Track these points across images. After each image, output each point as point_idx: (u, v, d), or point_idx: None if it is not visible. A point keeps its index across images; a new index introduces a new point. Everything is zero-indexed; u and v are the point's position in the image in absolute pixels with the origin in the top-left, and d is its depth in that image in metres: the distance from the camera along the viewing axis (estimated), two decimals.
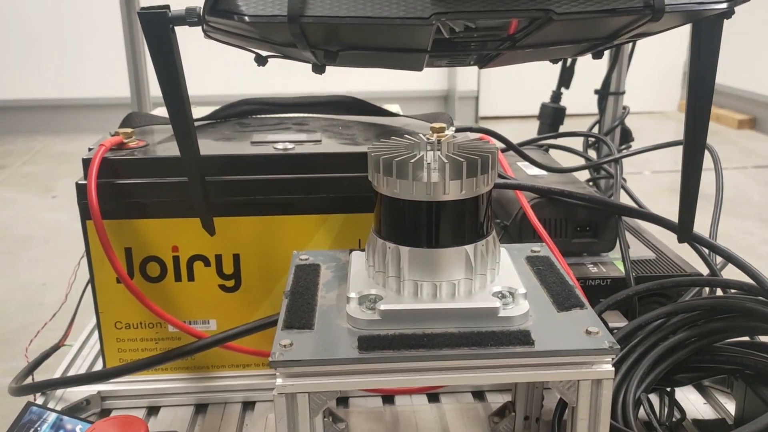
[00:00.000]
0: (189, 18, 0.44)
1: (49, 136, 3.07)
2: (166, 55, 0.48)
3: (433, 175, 0.45)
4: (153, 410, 0.66)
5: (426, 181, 0.44)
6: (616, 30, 0.43)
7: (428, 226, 0.46)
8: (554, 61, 0.48)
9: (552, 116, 1.13)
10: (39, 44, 3.07)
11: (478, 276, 0.47)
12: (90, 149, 0.63)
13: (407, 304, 0.46)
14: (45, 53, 3.08)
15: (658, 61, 3.32)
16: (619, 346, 0.43)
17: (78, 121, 3.08)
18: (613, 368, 0.44)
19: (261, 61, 0.50)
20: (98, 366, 0.72)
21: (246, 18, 0.40)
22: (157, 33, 0.47)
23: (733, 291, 0.63)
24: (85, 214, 0.61)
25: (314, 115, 0.80)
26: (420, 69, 0.43)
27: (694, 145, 0.49)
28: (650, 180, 2.36)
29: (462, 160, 0.44)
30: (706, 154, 0.54)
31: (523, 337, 0.43)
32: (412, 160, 0.44)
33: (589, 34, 0.42)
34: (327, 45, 0.39)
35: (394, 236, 0.47)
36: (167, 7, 0.46)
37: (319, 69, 0.44)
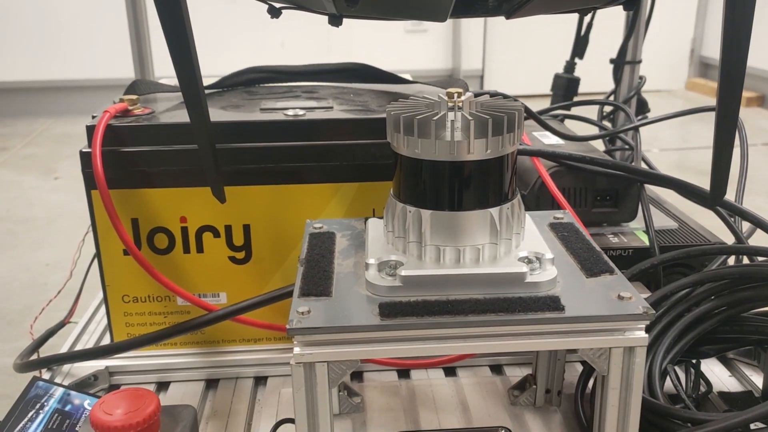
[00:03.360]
0: None
1: (51, 117, 3.04)
2: (174, 14, 0.45)
3: (457, 133, 0.42)
4: (163, 385, 0.64)
5: (449, 140, 0.42)
6: None
7: (451, 188, 0.44)
8: (583, 12, 0.45)
9: (566, 87, 1.10)
10: (41, 25, 3.04)
11: (503, 240, 0.45)
12: (94, 117, 0.61)
13: (429, 270, 0.43)
14: (47, 35, 3.05)
15: (666, 38, 3.28)
16: (653, 312, 0.41)
17: (80, 102, 3.04)
18: (646, 335, 0.42)
19: (274, 12, 0.47)
20: (105, 342, 0.71)
21: None
22: None
23: (761, 259, 0.61)
24: (90, 183, 0.59)
25: (324, 84, 0.78)
26: (444, 18, 0.41)
27: (727, 104, 0.47)
28: (659, 157, 2.33)
29: (488, 117, 0.42)
30: None
31: (553, 303, 0.41)
32: (434, 118, 0.42)
33: None
34: None
35: (415, 199, 0.45)
36: None
37: (336, 20, 0.42)
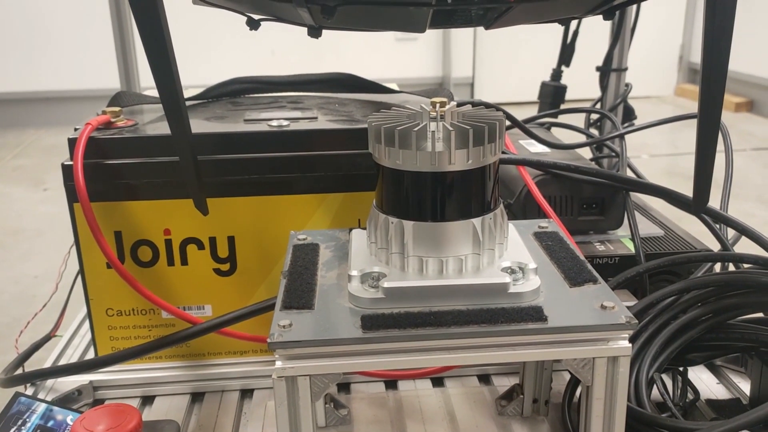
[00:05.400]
0: None
1: (40, 128, 3.03)
2: (153, 25, 0.45)
3: (438, 144, 0.42)
4: (147, 399, 0.63)
5: (430, 151, 0.42)
6: None
7: (433, 199, 0.44)
8: (563, 22, 0.45)
9: (552, 95, 1.10)
10: (29, 36, 3.03)
11: (486, 251, 0.45)
12: (76, 129, 0.60)
13: (412, 281, 0.43)
14: (36, 45, 3.04)
15: (655, 44, 3.30)
16: (636, 321, 0.41)
17: (70, 113, 3.04)
18: (630, 345, 0.41)
19: (253, 24, 0.47)
20: (90, 356, 0.70)
21: None
22: (143, 2, 0.44)
23: (746, 266, 0.61)
24: (72, 196, 0.59)
25: (309, 94, 0.77)
26: (422, 30, 0.41)
27: (709, 111, 0.47)
28: (649, 163, 2.34)
29: (468, 127, 0.42)
30: None
31: (536, 314, 0.41)
32: (415, 129, 0.42)
33: None
34: None
35: (398, 210, 0.45)
36: None
37: (315, 32, 0.42)
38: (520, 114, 0.99)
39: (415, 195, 0.44)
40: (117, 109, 0.63)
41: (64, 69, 3.06)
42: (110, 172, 0.59)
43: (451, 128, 0.42)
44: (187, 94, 0.75)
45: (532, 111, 1.14)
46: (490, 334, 0.41)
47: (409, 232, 0.44)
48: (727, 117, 3.01)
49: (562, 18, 0.45)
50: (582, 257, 0.49)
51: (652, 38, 3.22)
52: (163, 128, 0.61)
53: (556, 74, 1.12)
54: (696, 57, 3.52)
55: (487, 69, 3.34)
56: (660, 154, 2.44)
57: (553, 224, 0.55)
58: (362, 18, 0.41)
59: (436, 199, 0.44)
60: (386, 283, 0.43)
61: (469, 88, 3.37)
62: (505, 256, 0.47)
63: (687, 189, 0.63)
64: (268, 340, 0.40)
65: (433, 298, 0.43)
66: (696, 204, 0.50)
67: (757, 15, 2.95)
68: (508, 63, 3.28)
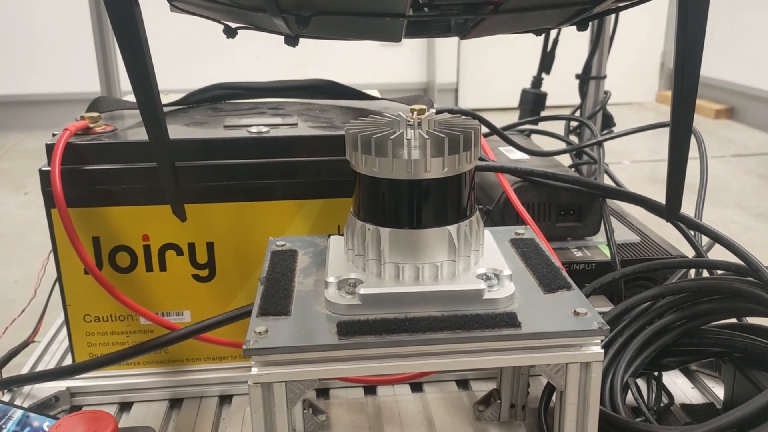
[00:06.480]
0: None
1: (22, 132, 3.01)
2: (129, 31, 0.45)
3: (414, 152, 0.43)
4: (125, 406, 0.63)
5: (406, 159, 0.42)
6: None
7: (409, 206, 0.44)
8: (537, 33, 0.46)
9: (533, 102, 1.11)
10: (14, 39, 3.01)
11: (462, 257, 0.45)
12: (54, 134, 0.60)
13: (388, 288, 0.44)
14: (20, 49, 3.02)
15: (636, 51, 3.34)
16: (608, 327, 0.41)
17: (53, 117, 3.01)
18: (602, 350, 0.42)
19: (230, 32, 0.47)
20: (68, 362, 0.70)
21: None
22: (119, 7, 0.44)
23: (720, 272, 0.62)
24: (49, 202, 0.59)
25: (290, 100, 0.78)
26: (398, 39, 0.41)
27: (681, 119, 0.48)
28: (630, 169, 2.36)
29: (443, 136, 0.42)
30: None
31: (509, 320, 0.42)
32: (391, 137, 0.42)
33: None
34: (299, 9, 0.37)
35: (374, 217, 0.45)
36: None
37: (291, 41, 0.42)
38: (504, 119, 1.00)
39: (391, 202, 0.44)
40: (96, 114, 0.63)
41: (47, 72, 3.04)
42: (88, 177, 0.59)
43: (426, 136, 0.42)
44: (170, 99, 0.75)
45: (516, 117, 1.15)
46: (465, 340, 0.41)
47: (385, 238, 0.44)
48: (708, 123, 3.04)
49: (535, 29, 0.46)
50: (557, 264, 0.50)
51: (633, 45, 3.25)
52: (142, 134, 0.61)
53: (537, 82, 1.13)
54: None
55: (472, 75, 3.35)
56: (641, 160, 2.46)
57: (529, 231, 0.56)
58: (337, 28, 0.42)
59: (412, 206, 0.44)
60: (362, 290, 0.43)
61: (453, 93, 3.38)
62: (481, 262, 0.47)
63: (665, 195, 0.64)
64: (244, 347, 0.40)
65: (408, 304, 0.43)
66: (669, 211, 0.51)
67: (738, 23, 2.99)
68: (492, 69, 3.30)
